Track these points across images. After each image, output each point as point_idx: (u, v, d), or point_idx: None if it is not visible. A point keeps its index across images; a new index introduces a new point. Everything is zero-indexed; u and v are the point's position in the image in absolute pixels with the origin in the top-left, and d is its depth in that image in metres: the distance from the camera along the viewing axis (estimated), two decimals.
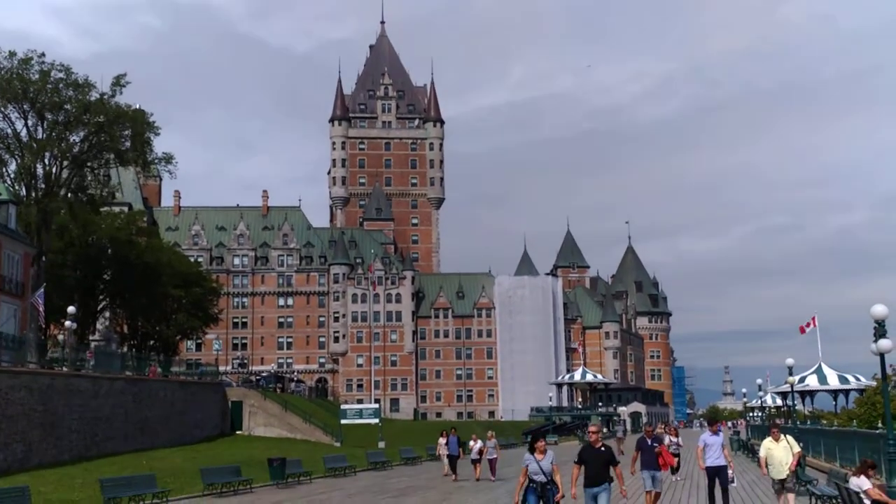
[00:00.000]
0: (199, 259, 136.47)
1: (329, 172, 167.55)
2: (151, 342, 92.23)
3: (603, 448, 14.38)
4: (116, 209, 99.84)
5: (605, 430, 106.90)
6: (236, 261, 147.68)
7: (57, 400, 36.40)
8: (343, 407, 65.26)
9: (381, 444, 57.83)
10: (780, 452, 18.15)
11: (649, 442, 20.77)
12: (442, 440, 37.90)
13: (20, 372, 35.20)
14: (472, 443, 36.44)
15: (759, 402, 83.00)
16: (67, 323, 44.54)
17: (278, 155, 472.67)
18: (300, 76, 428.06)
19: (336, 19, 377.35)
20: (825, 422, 65.20)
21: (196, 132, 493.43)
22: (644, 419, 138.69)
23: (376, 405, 65.22)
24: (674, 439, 32.79)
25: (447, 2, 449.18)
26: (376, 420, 58.63)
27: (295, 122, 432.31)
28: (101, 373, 43.70)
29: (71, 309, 46.25)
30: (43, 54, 63.79)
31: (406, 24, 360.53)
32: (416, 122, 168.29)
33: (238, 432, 66.35)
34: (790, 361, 41.00)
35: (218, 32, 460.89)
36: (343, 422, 59.76)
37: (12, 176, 64.39)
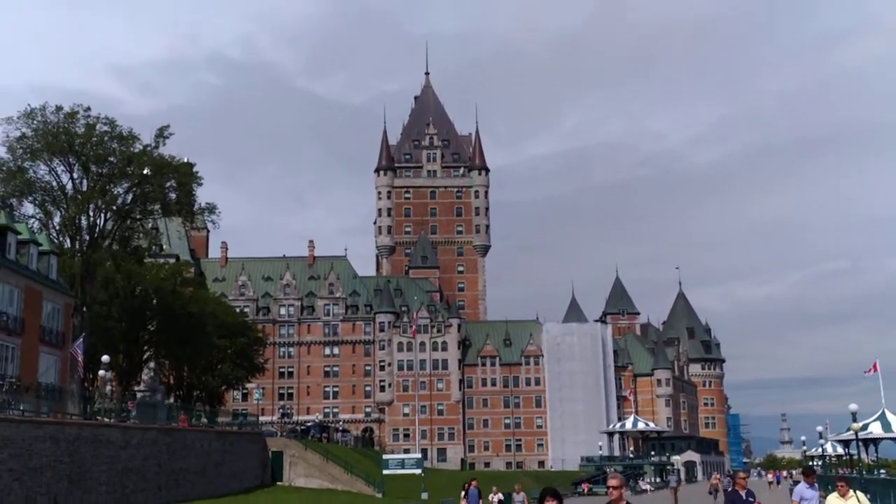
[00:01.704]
0: (246, 309, 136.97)
1: (375, 222, 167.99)
2: (196, 392, 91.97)
3: None
4: (163, 261, 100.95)
5: (656, 479, 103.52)
6: (282, 311, 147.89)
7: (84, 451, 35.71)
8: (385, 457, 63.73)
9: (424, 496, 56.20)
10: None
11: (743, 496, 16.85)
12: (462, 494, 34.54)
13: (45, 422, 34.65)
14: (491, 496, 33.93)
15: (820, 450, 79.71)
16: (102, 372, 44.18)
17: (329, 207, 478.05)
18: (351, 129, 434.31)
19: (388, 72, 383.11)
20: (891, 471, 62.07)
21: (250, 186, 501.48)
22: (699, 468, 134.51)
23: (419, 455, 63.60)
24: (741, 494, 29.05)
25: (496, 52, 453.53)
26: (419, 470, 57.06)
27: (345, 174, 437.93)
28: (133, 423, 42.99)
29: (105, 358, 45.93)
30: (88, 108, 64.89)
31: (452, 75, 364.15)
32: (461, 170, 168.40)
33: (279, 483, 65.27)
34: (854, 407, 38.66)
35: (273, 88, 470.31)
36: (385, 472, 58.26)
37: (57, 228, 65.15)
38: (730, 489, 27.63)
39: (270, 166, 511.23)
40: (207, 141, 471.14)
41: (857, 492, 15.93)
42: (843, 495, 15.72)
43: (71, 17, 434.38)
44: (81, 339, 48.22)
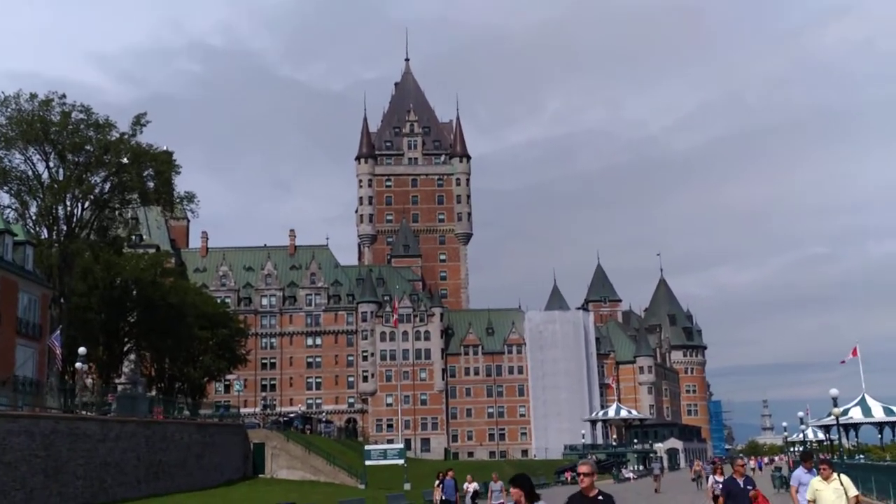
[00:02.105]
0: (227, 300, 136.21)
1: (356, 210, 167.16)
2: (178, 384, 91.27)
3: (600, 498, 9.42)
4: (143, 251, 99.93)
5: (639, 467, 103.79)
6: (264, 301, 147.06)
7: (61, 444, 35.12)
8: (367, 448, 63.33)
9: (407, 486, 55.89)
10: (831, 495, 14.79)
11: (741, 483, 16.18)
12: (437, 484, 33.76)
13: (20, 416, 34.00)
14: (466, 485, 33.37)
15: (801, 435, 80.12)
16: (78, 365, 43.46)
17: (312, 196, 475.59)
18: (333, 116, 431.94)
19: (370, 59, 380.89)
20: (871, 456, 62.29)
21: (232, 175, 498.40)
22: (681, 455, 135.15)
23: (401, 445, 63.24)
24: (718, 479, 27.75)
25: (477, 38, 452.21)
26: (401, 461, 56.76)
27: (327, 163, 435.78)
28: (111, 416, 42.35)
29: (82, 350, 45.21)
30: (63, 95, 63.94)
31: (433, 61, 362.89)
32: (443, 157, 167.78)
33: (261, 475, 64.77)
34: (834, 392, 38.59)
35: (255, 75, 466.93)
36: (367, 463, 57.91)
37: (34, 218, 64.19)
38: (713, 475, 26.82)
39: (253, 155, 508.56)
40: (189, 129, 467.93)
41: (841, 475, 15.24)
42: (826, 478, 15.04)
43: (49, 3, 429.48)
44: (59, 332, 47.47)
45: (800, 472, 17.07)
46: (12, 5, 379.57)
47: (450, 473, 33.42)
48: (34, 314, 50.30)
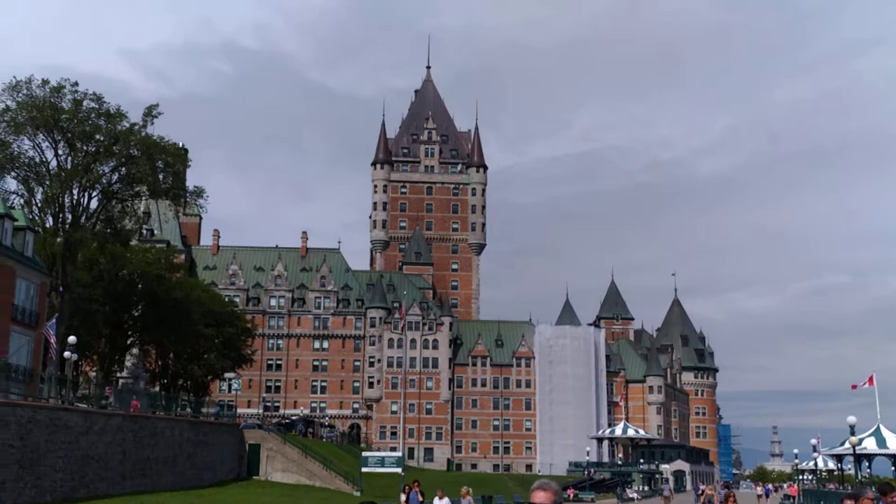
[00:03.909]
0: (236, 299, 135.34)
1: (370, 216, 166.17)
2: (181, 381, 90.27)
3: None
4: (155, 246, 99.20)
5: (644, 487, 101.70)
6: (273, 302, 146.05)
7: (38, 435, 33.89)
8: (364, 454, 61.91)
9: (403, 497, 54.41)
10: None
11: None
12: (403, 498, 32.54)
13: None
14: (436, 500, 31.99)
15: (812, 464, 78.16)
16: (67, 354, 42.37)
17: (331, 200, 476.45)
18: (358, 122, 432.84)
19: (399, 66, 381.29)
20: None
21: (254, 176, 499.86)
22: (688, 477, 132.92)
23: (399, 454, 61.84)
24: None
25: (508, 52, 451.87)
26: (398, 469, 55.31)
27: (348, 168, 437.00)
28: (90, 408, 41.15)
29: (71, 339, 44.08)
30: (76, 83, 63.17)
31: (460, 71, 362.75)
32: (459, 167, 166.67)
33: (255, 477, 63.50)
34: (852, 420, 36.71)
35: (285, 78, 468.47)
36: (364, 470, 56.49)
37: (39, 205, 63.35)
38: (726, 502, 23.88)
39: (276, 157, 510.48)
40: (215, 128, 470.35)
41: None
42: None
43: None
44: (55, 320, 46.42)
45: None
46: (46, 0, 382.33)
47: (416, 486, 32.22)
48: (31, 302, 49.33)
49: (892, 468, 62.21)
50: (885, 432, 55.41)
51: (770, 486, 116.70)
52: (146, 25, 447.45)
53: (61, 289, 59.01)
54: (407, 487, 32.60)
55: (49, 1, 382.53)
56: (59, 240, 63.18)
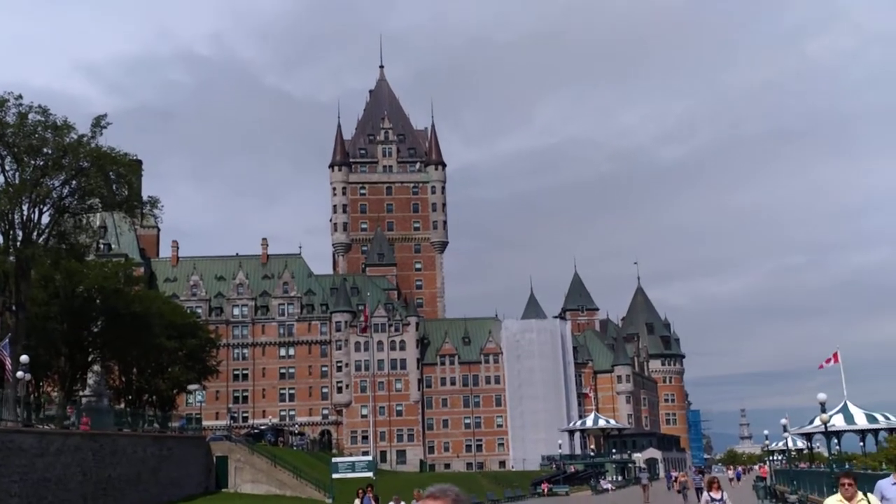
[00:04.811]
0: (198, 310, 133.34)
1: (330, 219, 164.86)
2: (146, 397, 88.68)
3: None
4: (112, 260, 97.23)
5: (618, 477, 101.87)
6: (235, 311, 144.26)
7: None
8: (334, 460, 61.15)
9: (357, 502, 53.75)
10: None
11: None
12: (357, 501, 31.80)
13: None
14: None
15: (783, 444, 78.70)
16: (20, 374, 41.03)
17: (293, 206, 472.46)
18: (317, 126, 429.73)
19: (358, 70, 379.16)
20: (855, 465, 60.89)
21: (216, 184, 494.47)
22: (660, 465, 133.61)
23: (369, 458, 61.15)
24: (715, 497, 21.98)
25: (466, 48, 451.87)
26: (370, 473, 54.58)
27: (309, 173, 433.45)
28: (49, 428, 39.90)
29: (24, 358, 42.73)
30: (20, 96, 61.46)
31: (419, 71, 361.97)
32: (418, 165, 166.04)
33: (223, 490, 62.36)
34: (822, 396, 36.69)
35: (242, 85, 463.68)
36: (335, 476, 55.76)
37: None
38: (709, 491, 22.89)
39: (237, 165, 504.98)
40: (176, 139, 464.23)
41: (869, 494, 12.02)
42: (849, 498, 11.51)
43: (37, 12, 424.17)
44: (7, 340, 44.96)
45: (885, 484, 14.16)
46: None
47: (369, 490, 31.43)
48: None
49: (861, 444, 62.75)
50: (852, 408, 55.71)
51: (741, 468, 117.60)
52: (100, 37, 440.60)
53: (13, 308, 57.30)
54: (360, 491, 31.64)
55: (2, 16, 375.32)
56: (10, 258, 61.48)
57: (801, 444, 79.33)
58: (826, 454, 64.51)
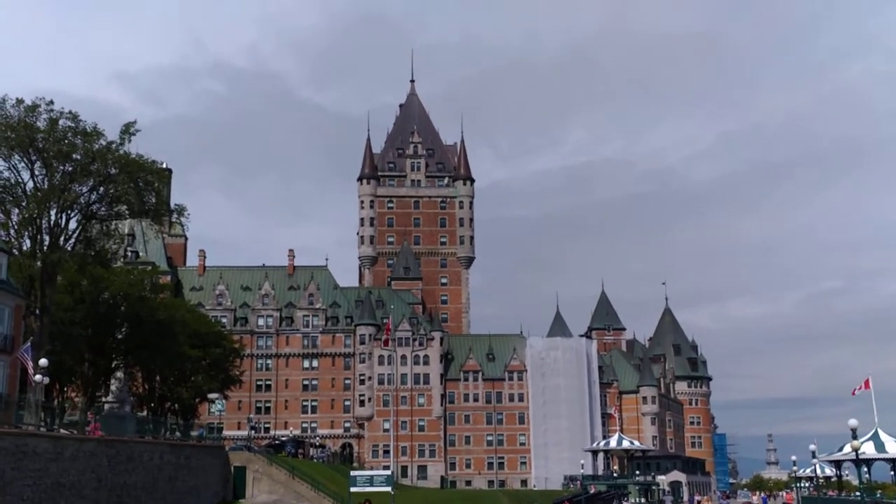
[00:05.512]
0: (223, 319, 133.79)
1: (357, 232, 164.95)
2: (168, 405, 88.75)
3: None
4: (138, 267, 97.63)
5: (641, 499, 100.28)
6: (260, 321, 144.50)
7: (4, 463, 32.47)
8: (353, 473, 60.48)
9: None
10: None
11: None
12: None
13: None
14: None
15: (810, 470, 77.06)
16: (38, 377, 40.96)
17: (322, 218, 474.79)
18: (348, 140, 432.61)
19: (392, 84, 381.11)
20: (887, 494, 59.44)
21: (247, 196, 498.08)
22: (685, 488, 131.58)
23: (388, 472, 60.51)
24: None
25: (500, 66, 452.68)
26: (388, 488, 54.00)
27: (338, 186, 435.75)
28: (67, 433, 39.68)
29: (43, 361, 42.68)
30: (51, 102, 61.86)
31: (452, 85, 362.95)
32: (446, 180, 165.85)
33: (241, 500, 62.04)
34: (853, 423, 35.58)
35: (276, 97, 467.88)
36: (353, 490, 55.17)
37: (16, 227, 61.95)
38: None
39: (268, 177, 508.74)
40: (209, 150, 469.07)
41: None
42: None
43: (74, 22, 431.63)
44: (29, 344, 44.97)
45: None
46: (35, 22, 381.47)
47: None
48: (6, 325, 47.93)
49: (892, 472, 61.21)
50: (883, 436, 54.43)
51: (766, 494, 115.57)
52: (137, 48, 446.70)
53: (38, 312, 57.47)
54: None
55: (35, 24, 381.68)
56: (37, 263, 61.75)
57: (829, 471, 77.60)
58: (855, 482, 63.00)
